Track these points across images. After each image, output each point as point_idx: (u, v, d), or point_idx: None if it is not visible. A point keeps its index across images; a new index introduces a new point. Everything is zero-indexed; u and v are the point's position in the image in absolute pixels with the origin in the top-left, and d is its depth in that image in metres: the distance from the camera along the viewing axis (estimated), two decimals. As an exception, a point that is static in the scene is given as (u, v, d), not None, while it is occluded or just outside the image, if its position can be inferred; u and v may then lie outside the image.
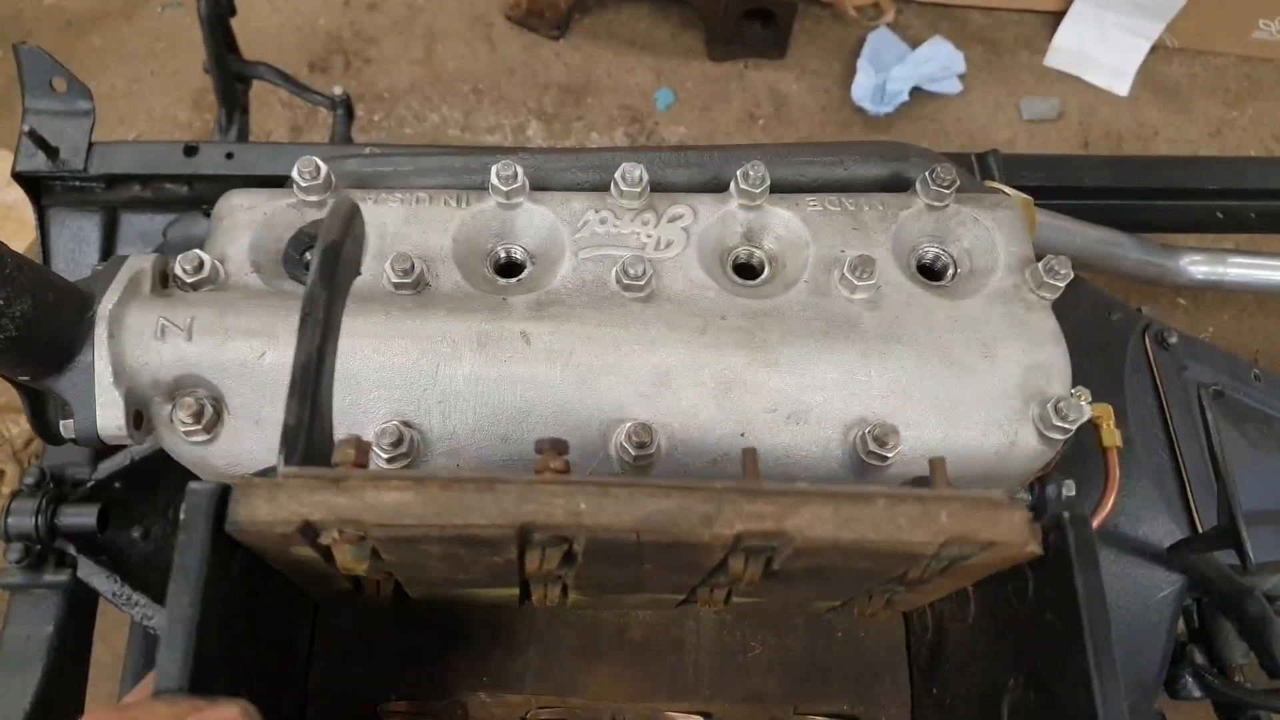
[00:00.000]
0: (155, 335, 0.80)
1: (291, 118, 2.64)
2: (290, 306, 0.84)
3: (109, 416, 0.79)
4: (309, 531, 0.48)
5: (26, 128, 1.32)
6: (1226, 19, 2.71)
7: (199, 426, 0.80)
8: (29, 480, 1.31)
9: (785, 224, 0.94)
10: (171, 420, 0.81)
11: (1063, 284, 0.91)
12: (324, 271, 0.60)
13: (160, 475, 1.18)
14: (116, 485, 1.36)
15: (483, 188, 0.93)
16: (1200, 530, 1.06)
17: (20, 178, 1.36)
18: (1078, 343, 1.10)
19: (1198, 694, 1.13)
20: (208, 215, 1.35)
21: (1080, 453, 1.06)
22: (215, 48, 1.90)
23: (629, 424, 0.82)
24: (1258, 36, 2.71)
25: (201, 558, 0.45)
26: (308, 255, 0.89)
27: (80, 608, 1.32)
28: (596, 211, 0.93)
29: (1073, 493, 1.02)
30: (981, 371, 0.88)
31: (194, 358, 0.81)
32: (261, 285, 0.88)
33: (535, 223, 0.93)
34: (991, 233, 0.95)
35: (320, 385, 0.58)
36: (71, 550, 1.30)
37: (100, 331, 0.79)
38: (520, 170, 0.92)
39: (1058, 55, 2.81)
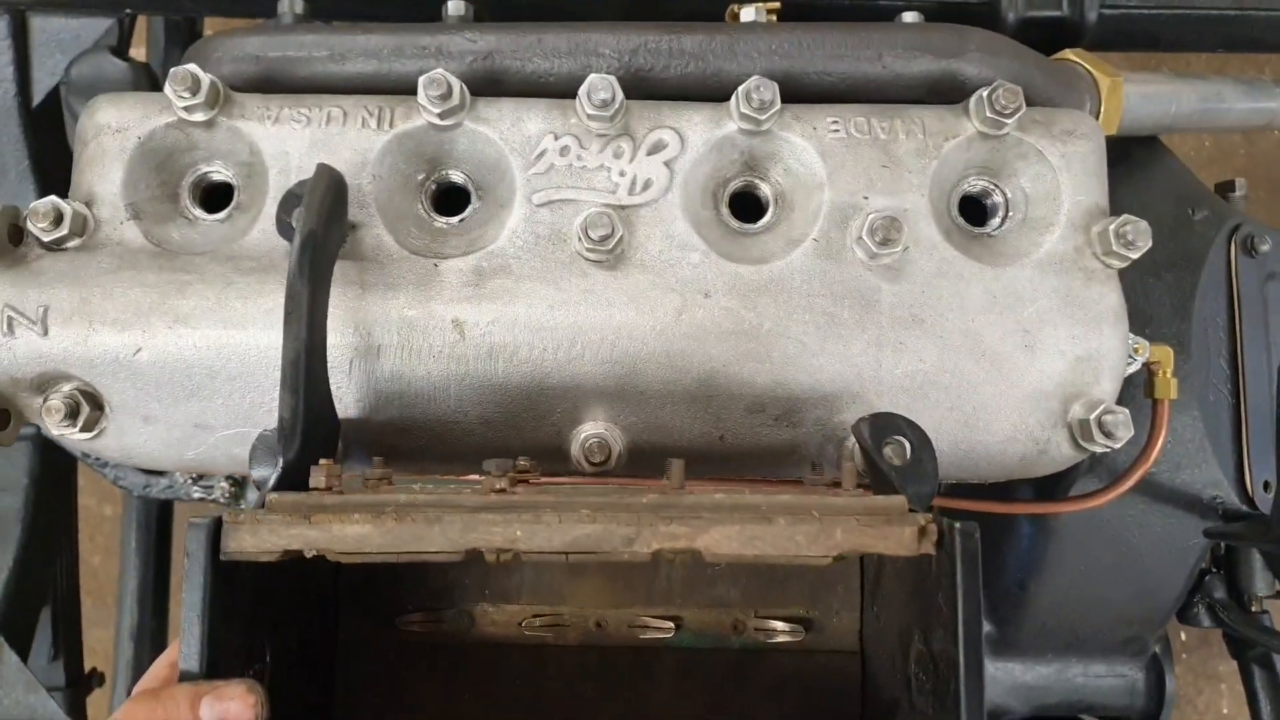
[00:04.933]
0: (2, 329, 0.66)
1: None
2: (176, 280, 0.68)
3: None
4: (290, 554, 0.53)
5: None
6: None
7: (75, 427, 0.68)
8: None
9: (797, 155, 0.74)
10: (43, 415, 0.68)
11: (1136, 254, 0.72)
12: (302, 264, 0.60)
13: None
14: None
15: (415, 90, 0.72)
16: (1249, 486, 0.95)
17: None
18: (1150, 253, 0.92)
19: (1207, 623, 1.07)
20: (119, 54, 1.13)
21: (1126, 392, 0.92)
22: None
23: (585, 434, 0.69)
24: None
25: (205, 577, 0.52)
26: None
27: (56, 462, 1.27)
28: (557, 138, 0.73)
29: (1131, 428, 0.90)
30: (1018, 366, 0.72)
31: (54, 354, 0.67)
32: (141, 238, 0.71)
33: (479, 150, 0.74)
34: (1057, 174, 0.74)
35: (313, 375, 0.61)
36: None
37: (-65, 328, 0.65)
38: (456, 85, 0.71)
39: None
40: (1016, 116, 0.72)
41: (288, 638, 0.62)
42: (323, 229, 0.63)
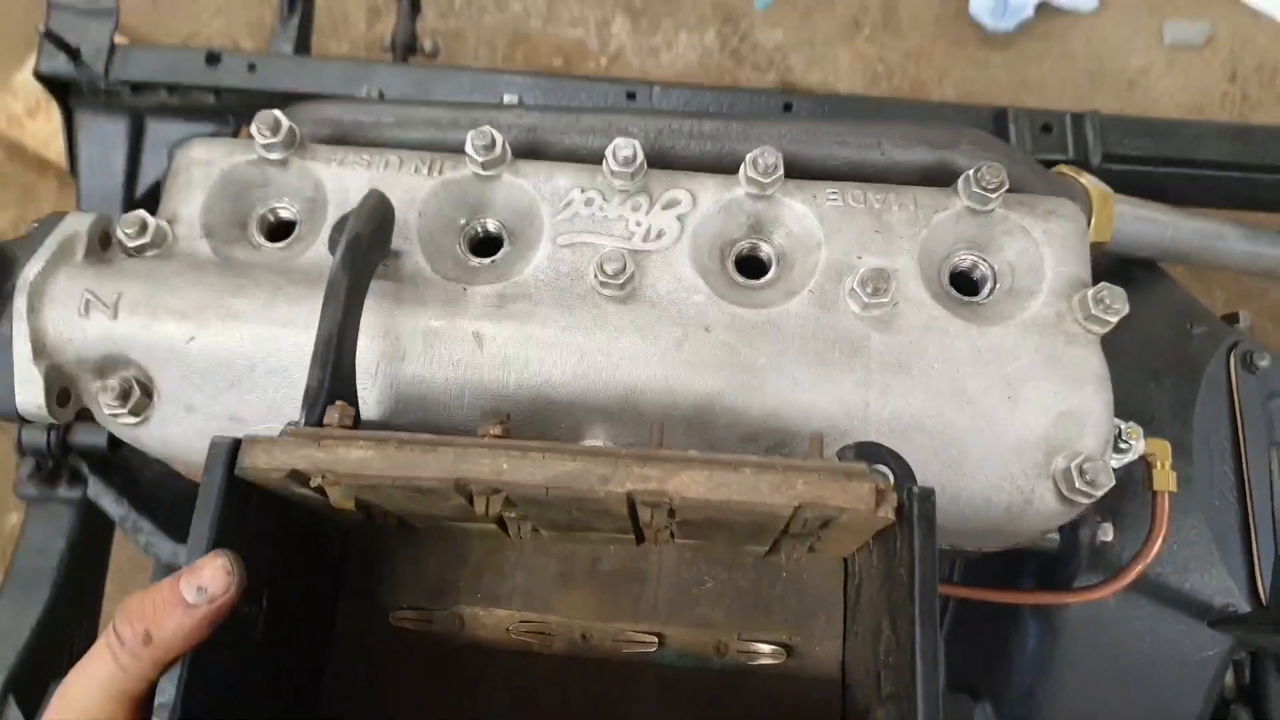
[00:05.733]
0: (79, 311, 0.75)
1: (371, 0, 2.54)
2: (233, 282, 0.77)
3: (28, 394, 0.74)
4: (298, 477, 0.58)
5: (44, 27, 1.27)
6: None
7: (125, 409, 0.75)
8: (49, 393, 1.31)
9: (798, 219, 0.82)
10: (98, 401, 0.76)
11: (1114, 319, 0.77)
12: (345, 259, 0.70)
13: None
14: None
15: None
16: (1262, 594, 0.94)
17: (43, 79, 1.31)
18: (1149, 360, 0.97)
19: (1238, 757, 1.02)
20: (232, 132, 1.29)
21: (1127, 491, 0.93)
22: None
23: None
24: None
25: (219, 494, 0.56)
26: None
27: (94, 529, 1.33)
28: (583, 191, 0.82)
29: (1109, 538, 0.91)
30: (1001, 416, 0.75)
31: (120, 337, 0.75)
32: (210, 253, 0.81)
33: (514, 198, 0.83)
34: (1040, 247, 0.80)
35: (341, 356, 0.68)
36: (85, 469, 1.31)
37: (19, 304, 0.74)
38: (499, 139, 0.81)
39: (1216, -32, 2.47)
40: (1000, 192, 0.79)
41: (286, 600, 0.65)
42: (367, 235, 0.72)
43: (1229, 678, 1.02)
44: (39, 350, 0.74)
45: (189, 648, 0.53)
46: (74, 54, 1.29)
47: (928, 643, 0.53)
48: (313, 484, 0.58)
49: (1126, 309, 0.77)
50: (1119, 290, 0.77)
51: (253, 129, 0.81)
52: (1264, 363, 1.00)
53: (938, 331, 0.78)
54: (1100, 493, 0.73)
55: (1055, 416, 0.76)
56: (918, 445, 0.75)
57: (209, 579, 0.53)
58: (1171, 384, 0.99)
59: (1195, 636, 0.94)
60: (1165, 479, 0.88)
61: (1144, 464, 0.89)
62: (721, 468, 0.56)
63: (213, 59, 1.31)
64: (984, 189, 0.79)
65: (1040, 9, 2.35)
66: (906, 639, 0.54)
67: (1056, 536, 0.92)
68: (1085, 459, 0.73)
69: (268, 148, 0.82)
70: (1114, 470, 0.84)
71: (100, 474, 1.31)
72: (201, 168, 0.83)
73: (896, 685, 0.56)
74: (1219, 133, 1.27)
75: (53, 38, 1.27)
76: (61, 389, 0.76)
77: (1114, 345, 0.79)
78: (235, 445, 0.57)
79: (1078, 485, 0.73)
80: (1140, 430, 0.84)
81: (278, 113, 0.82)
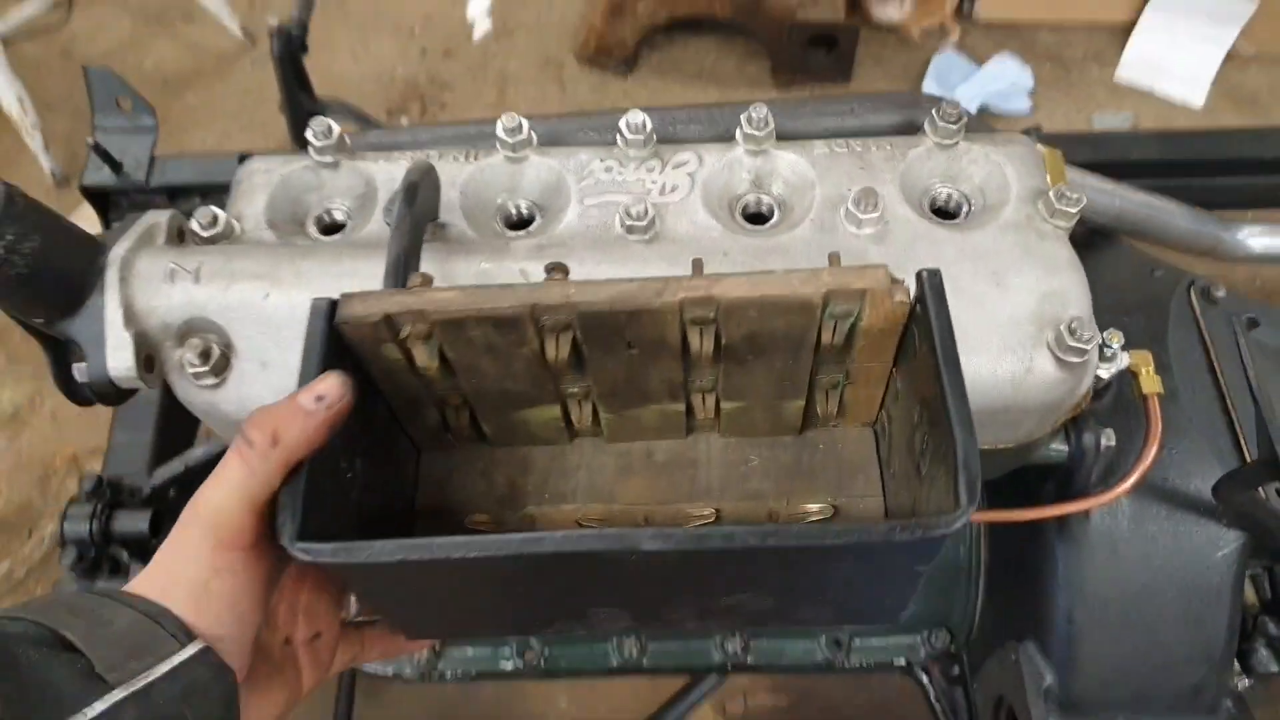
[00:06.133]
0: (165, 279, 0.84)
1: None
2: (298, 252, 0.87)
3: (120, 359, 0.82)
4: (391, 324, 0.64)
5: (92, 142, 1.40)
6: (1302, 19, 2.62)
7: (207, 369, 0.82)
8: (86, 487, 1.36)
9: (791, 167, 0.94)
10: (181, 364, 0.83)
11: (1075, 209, 0.88)
12: (406, 198, 0.80)
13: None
14: (171, 493, 1.40)
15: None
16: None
17: (87, 191, 1.44)
18: (1119, 301, 1.06)
19: (1275, 667, 1.05)
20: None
21: (1124, 407, 1.01)
22: (287, 85, 1.99)
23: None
24: (1337, 34, 2.61)
25: (322, 340, 0.63)
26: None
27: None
28: (602, 160, 0.94)
29: (1112, 442, 0.98)
30: (992, 299, 0.85)
31: (201, 300, 0.84)
32: (274, 239, 0.91)
33: (542, 175, 0.95)
34: (1003, 167, 0.92)
35: (406, 274, 0.77)
36: (125, 557, 1.34)
37: (111, 275, 0.83)
38: (526, 124, 0.93)
39: (1129, 68, 2.74)
40: (961, 123, 0.92)
41: (370, 489, 0.71)
42: (421, 181, 0.82)
43: (1251, 593, 1.07)
44: (129, 317, 0.82)
45: (311, 450, 0.59)
46: (117, 167, 1.42)
47: (956, 387, 0.59)
48: (403, 334, 0.66)
49: (1085, 201, 0.88)
50: (1075, 190, 0.88)
51: (308, 134, 0.93)
52: (1220, 294, 1.11)
53: (926, 240, 0.88)
54: (1089, 345, 0.81)
55: (1040, 296, 0.85)
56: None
57: (325, 388, 0.60)
58: (1143, 317, 1.09)
59: (1208, 532, 0.99)
60: (1152, 383, 0.96)
61: (1130, 376, 0.98)
62: (759, 273, 0.64)
63: (244, 159, 1.44)
64: (948, 122, 0.92)
65: (981, 113, 2.59)
66: (937, 399, 0.60)
67: (1064, 448, 0.99)
68: (1072, 319, 0.82)
69: (320, 150, 0.94)
70: (1104, 379, 0.93)
71: (142, 561, 1.34)
72: (262, 175, 0.95)
73: (935, 450, 0.62)
74: (1147, 137, 1.42)
75: (100, 151, 1.40)
76: (148, 355, 0.84)
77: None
78: (333, 302, 0.65)
79: (1069, 344, 0.81)
80: (1121, 335, 0.93)
81: (329, 120, 0.94)
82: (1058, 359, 0.83)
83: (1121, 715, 1.02)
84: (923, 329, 0.64)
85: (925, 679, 1.23)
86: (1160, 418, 0.95)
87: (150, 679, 0.53)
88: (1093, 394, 0.97)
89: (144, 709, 0.52)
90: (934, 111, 0.93)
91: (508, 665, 1.23)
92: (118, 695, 0.51)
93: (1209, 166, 1.39)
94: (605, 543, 0.56)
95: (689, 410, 0.77)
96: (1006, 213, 0.90)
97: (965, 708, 1.20)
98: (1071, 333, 0.81)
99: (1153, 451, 0.95)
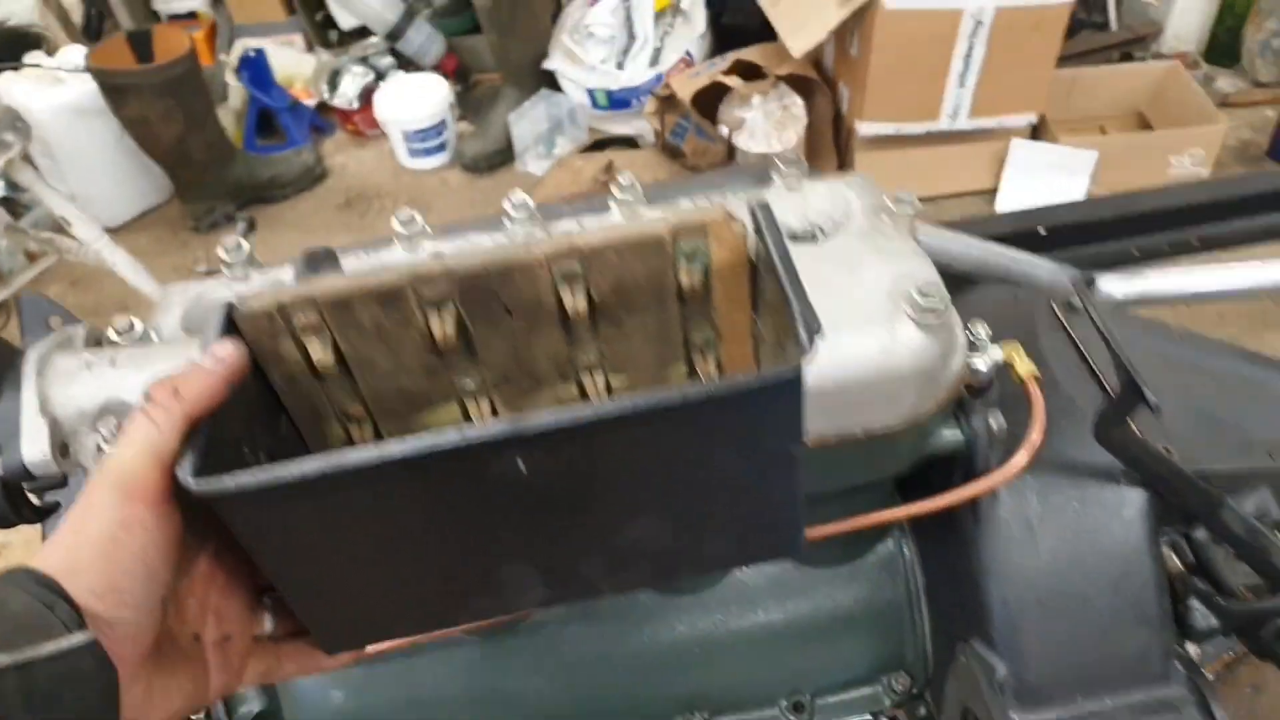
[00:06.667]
0: (81, 368, 0.89)
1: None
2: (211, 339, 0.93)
3: (35, 447, 0.85)
4: (284, 314, 0.69)
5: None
6: (1140, 163, 2.93)
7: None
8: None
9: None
10: (96, 447, 0.87)
11: (909, 206, 0.98)
12: (306, 260, 0.87)
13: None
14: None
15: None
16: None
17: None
18: (994, 327, 1.13)
19: (1213, 622, 1.04)
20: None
21: (1012, 401, 1.06)
22: None
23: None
24: (1173, 172, 2.91)
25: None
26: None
27: None
28: (490, 236, 1.04)
29: (1002, 422, 1.03)
30: (850, 286, 0.93)
31: (115, 383, 0.88)
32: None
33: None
34: (846, 191, 1.04)
35: None
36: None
37: (28, 369, 0.88)
38: (420, 218, 1.04)
39: (1001, 228, 2.99)
40: (802, 167, 1.04)
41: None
42: (323, 257, 0.89)
43: (1175, 560, 1.09)
44: (44, 405, 0.87)
45: (211, 405, 0.63)
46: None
47: (790, 273, 0.66)
48: (296, 325, 0.71)
49: (916, 199, 0.99)
50: (905, 193, 0.99)
51: (218, 251, 1.02)
52: (1075, 300, 1.20)
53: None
54: (941, 305, 0.89)
55: (893, 278, 0.94)
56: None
57: (220, 349, 0.66)
58: (1016, 334, 1.17)
59: (1115, 495, 1.01)
60: (1026, 366, 1.04)
61: (1006, 368, 1.05)
62: (614, 225, 0.73)
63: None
64: (789, 165, 1.04)
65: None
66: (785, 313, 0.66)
67: (959, 434, 1.04)
68: (922, 284, 0.90)
69: (231, 267, 1.02)
70: (980, 372, 1.01)
71: None
72: (178, 294, 1.02)
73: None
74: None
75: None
76: (63, 443, 0.87)
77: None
78: (230, 304, 0.71)
79: (923, 305, 0.89)
80: (986, 324, 1.02)
81: (239, 238, 1.03)
82: (917, 323, 0.90)
83: (1080, 696, 1.01)
84: (765, 263, 0.72)
85: (894, 727, 1.20)
86: (1041, 396, 1.01)
87: (34, 655, 0.54)
88: (978, 390, 1.04)
89: (24, 681, 0.53)
90: (778, 161, 1.05)
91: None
92: (2, 660, 0.52)
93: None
94: (489, 432, 0.60)
95: (582, 394, 0.82)
96: (854, 224, 1.00)
97: (940, 745, 1.16)
98: (923, 295, 0.89)
99: (1039, 426, 1.00)
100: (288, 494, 0.60)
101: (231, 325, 0.70)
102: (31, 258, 3.63)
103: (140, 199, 4.08)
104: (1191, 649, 1.07)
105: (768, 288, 0.73)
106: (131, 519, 0.60)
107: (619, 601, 1.19)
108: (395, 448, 0.59)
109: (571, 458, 0.63)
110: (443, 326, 0.74)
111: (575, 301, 0.75)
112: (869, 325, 0.91)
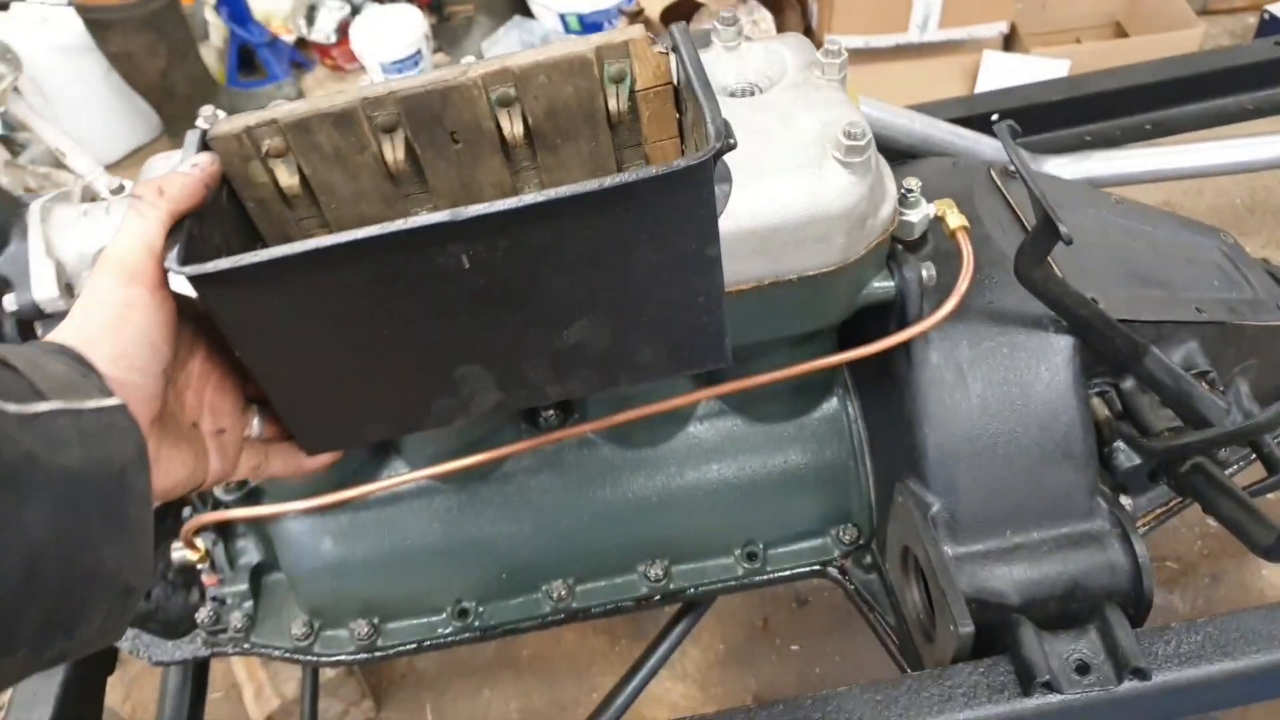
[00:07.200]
0: (80, 215, 0.97)
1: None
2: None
3: (44, 285, 0.94)
4: (252, 136, 0.77)
5: None
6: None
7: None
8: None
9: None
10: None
11: (839, 61, 1.05)
12: None
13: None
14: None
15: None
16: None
17: None
18: (929, 193, 1.19)
19: (1136, 459, 1.13)
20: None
21: (945, 255, 1.13)
22: None
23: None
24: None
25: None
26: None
27: (87, 676, 1.38)
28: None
29: (933, 273, 1.10)
30: (781, 133, 1.01)
31: (110, 226, 0.97)
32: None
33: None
34: (781, 49, 1.11)
35: None
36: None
37: (33, 218, 0.96)
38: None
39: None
40: (740, 29, 1.11)
41: None
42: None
43: (1103, 408, 1.17)
44: (49, 249, 0.95)
45: (191, 204, 0.71)
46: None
47: (704, 83, 0.74)
48: (264, 147, 0.78)
49: (845, 54, 1.06)
50: (836, 48, 1.06)
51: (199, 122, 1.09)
52: (1013, 168, 1.28)
53: (730, 107, 1.05)
54: (864, 143, 0.96)
55: (820, 125, 1.01)
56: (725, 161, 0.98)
57: (198, 158, 0.74)
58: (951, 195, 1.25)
59: (1042, 341, 1.06)
60: (957, 218, 1.11)
61: (939, 222, 1.12)
62: (542, 47, 0.80)
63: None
64: (727, 25, 1.11)
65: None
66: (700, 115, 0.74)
67: (890, 284, 1.11)
68: (848, 124, 0.97)
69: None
70: (911, 224, 1.09)
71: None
72: (162, 160, 1.10)
73: None
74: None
75: None
76: (67, 283, 0.96)
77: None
78: (204, 130, 0.78)
79: (847, 145, 0.96)
80: (919, 181, 1.09)
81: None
82: (842, 163, 0.97)
83: (1009, 530, 1.09)
84: (685, 84, 0.79)
85: (841, 576, 1.29)
86: (971, 248, 1.08)
87: (81, 406, 0.62)
88: (912, 245, 1.12)
89: (76, 423, 0.61)
90: (717, 23, 1.12)
91: (446, 631, 1.29)
92: (57, 404, 0.61)
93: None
94: (431, 220, 0.67)
95: None
96: (788, 78, 1.08)
97: (884, 591, 1.26)
98: (848, 135, 0.97)
99: (968, 274, 1.07)
100: (257, 276, 0.68)
101: (205, 147, 0.78)
102: (30, 194, 3.69)
103: (131, 136, 4.12)
104: (1126, 502, 1.15)
105: (690, 108, 0.80)
106: (133, 298, 0.69)
107: (583, 454, 1.28)
108: (349, 235, 0.67)
109: (507, 249, 0.71)
110: (394, 151, 0.81)
111: (513, 126, 0.82)
112: (798, 169, 0.98)
